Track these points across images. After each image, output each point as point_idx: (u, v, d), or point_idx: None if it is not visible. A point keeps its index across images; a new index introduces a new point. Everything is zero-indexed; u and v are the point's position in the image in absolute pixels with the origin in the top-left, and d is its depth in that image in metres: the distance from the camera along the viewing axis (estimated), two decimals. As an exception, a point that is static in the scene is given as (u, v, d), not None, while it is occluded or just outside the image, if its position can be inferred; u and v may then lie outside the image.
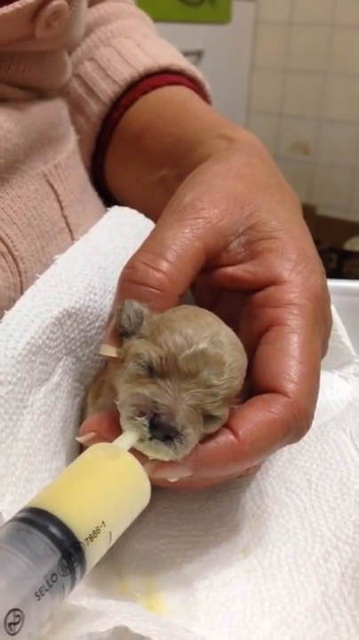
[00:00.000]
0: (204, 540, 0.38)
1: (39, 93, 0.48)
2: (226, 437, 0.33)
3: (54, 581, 0.24)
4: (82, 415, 0.40)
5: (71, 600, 0.28)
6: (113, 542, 0.28)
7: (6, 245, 0.40)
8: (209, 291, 0.43)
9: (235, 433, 0.33)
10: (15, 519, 0.26)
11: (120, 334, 0.35)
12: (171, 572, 0.36)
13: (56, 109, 0.49)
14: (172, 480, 0.33)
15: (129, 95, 0.57)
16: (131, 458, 0.29)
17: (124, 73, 0.57)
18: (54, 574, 0.24)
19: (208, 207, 0.38)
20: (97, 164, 0.59)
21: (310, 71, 1.96)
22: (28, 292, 0.36)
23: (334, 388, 0.49)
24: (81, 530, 0.26)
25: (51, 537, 0.25)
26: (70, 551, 0.25)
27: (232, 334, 0.34)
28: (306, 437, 0.36)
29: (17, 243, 0.41)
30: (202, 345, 0.32)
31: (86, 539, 0.26)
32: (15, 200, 0.42)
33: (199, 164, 0.43)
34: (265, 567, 0.36)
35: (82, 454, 0.29)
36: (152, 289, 0.35)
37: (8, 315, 0.34)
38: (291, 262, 0.38)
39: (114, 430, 0.32)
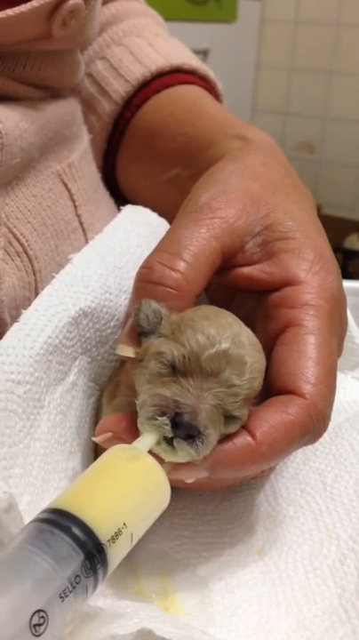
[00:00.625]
0: (219, 542, 0.38)
1: (53, 92, 0.48)
2: (243, 439, 0.32)
3: (78, 583, 0.24)
4: (97, 415, 0.40)
5: (88, 601, 0.28)
6: (134, 544, 0.28)
7: (21, 244, 0.40)
8: (223, 291, 0.42)
9: (252, 434, 0.32)
10: (37, 520, 0.25)
11: (138, 334, 0.35)
12: (187, 573, 0.36)
13: (70, 108, 0.49)
14: (189, 481, 0.33)
15: (141, 94, 0.57)
16: (152, 460, 0.29)
17: (136, 72, 0.56)
18: (77, 576, 0.24)
19: (224, 207, 0.38)
20: (109, 164, 0.59)
21: (316, 70, 1.96)
22: (45, 292, 0.36)
23: (348, 390, 0.49)
24: (103, 531, 0.26)
25: (74, 538, 0.25)
26: (93, 552, 0.25)
27: (252, 335, 0.34)
28: (320, 439, 0.36)
29: (32, 242, 0.41)
30: (224, 345, 0.32)
31: (108, 540, 0.26)
32: (30, 199, 0.42)
33: (212, 163, 0.43)
34: (281, 569, 0.36)
35: (102, 456, 0.29)
36: (169, 289, 0.35)
37: (25, 314, 0.34)
38: (308, 263, 0.37)
39: (131, 431, 0.32)
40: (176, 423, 0.30)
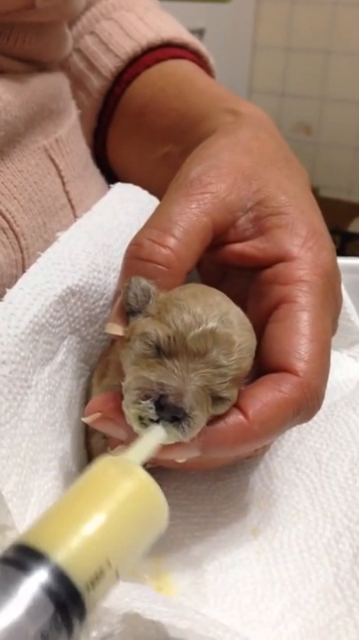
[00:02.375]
0: (213, 522, 0.37)
1: (39, 66, 0.46)
2: (235, 417, 0.32)
3: None
4: (87, 396, 0.39)
5: None
6: (121, 578, 0.23)
7: (7, 221, 0.39)
8: (215, 268, 0.42)
9: (244, 413, 0.32)
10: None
11: (126, 312, 0.34)
12: (180, 553, 0.35)
13: (57, 82, 0.48)
14: (180, 461, 0.32)
15: (131, 69, 0.55)
16: (146, 476, 0.25)
17: (126, 47, 0.55)
18: (45, 634, 0.20)
19: (215, 182, 0.37)
20: (99, 142, 0.58)
21: (313, 50, 1.93)
22: (31, 270, 0.35)
23: (343, 368, 0.48)
24: (80, 574, 0.21)
25: (44, 587, 0.20)
26: (67, 604, 0.21)
27: (241, 314, 0.33)
28: (315, 417, 0.35)
29: (18, 218, 0.40)
30: (211, 324, 0.31)
31: (87, 586, 0.21)
32: (16, 174, 0.41)
33: (204, 138, 0.42)
34: (275, 548, 0.35)
35: (89, 469, 0.25)
36: (159, 265, 0.34)
37: (10, 293, 0.33)
38: (301, 238, 0.37)
39: (120, 411, 0.31)
40: (161, 405, 0.29)
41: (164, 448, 0.31)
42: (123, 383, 0.31)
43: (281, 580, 0.33)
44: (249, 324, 0.34)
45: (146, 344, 0.31)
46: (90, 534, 0.22)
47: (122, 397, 0.31)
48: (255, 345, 0.34)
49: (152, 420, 0.29)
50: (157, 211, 0.37)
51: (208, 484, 0.39)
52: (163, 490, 0.38)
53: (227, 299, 0.34)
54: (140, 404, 0.29)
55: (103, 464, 0.25)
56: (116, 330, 0.34)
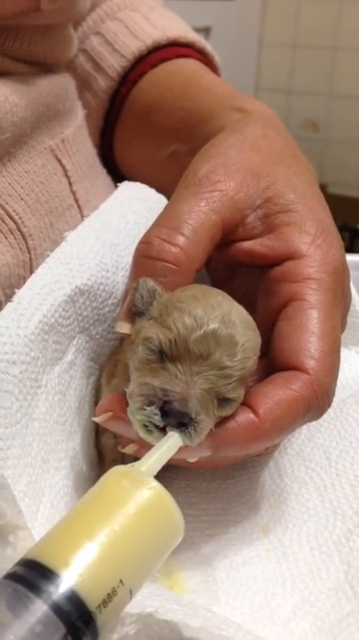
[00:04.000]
0: (223, 520, 0.37)
1: (45, 68, 0.46)
2: (246, 416, 0.32)
3: None
4: (97, 395, 0.39)
5: None
6: (134, 597, 0.23)
7: (15, 222, 0.39)
8: (224, 267, 0.42)
9: (255, 411, 0.32)
10: (8, 576, 0.21)
11: (133, 313, 0.34)
12: (191, 551, 0.35)
13: (63, 83, 0.48)
14: (192, 460, 0.32)
15: (137, 69, 0.56)
16: (161, 487, 0.24)
17: (132, 47, 0.55)
18: None
19: (224, 180, 0.37)
20: (106, 142, 0.58)
21: (320, 46, 1.92)
22: (39, 270, 0.36)
23: (352, 365, 0.48)
24: (93, 594, 0.20)
25: (54, 607, 0.20)
26: (78, 625, 0.20)
27: (244, 312, 0.33)
28: (325, 415, 0.35)
29: (25, 219, 0.40)
30: (212, 325, 0.30)
31: (99, 606, 0.20)
32: (22, 175, 0.41)
33: (212, 137, 0.42)
34: (285, 546, 0.35)
35: (100, 481, 0.25)
36: (168, 264, 0.34)
37: (19, 293, 0.33)
38: (310, 236, 0.37)
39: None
40: (165, 412, 0.29)
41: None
42: (127, 390, 0.31)
43: (291, 578, 0.33)
44: (252, 323, 0.33)
45: (148, 349, 0.31)
46: (102, 552, 0.21)
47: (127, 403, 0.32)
48: (260, 343, 0.33)
49: (157, 427, 0.29)
50: (166, 209, 0.37)
51: (218, 483, 0.39)
52: (173, 488, 0.39)
53: (229, 298, 0.34)
54: (145, 410, 0.29)
55: (116, 475, 0.24)
56: (126, 328, 0.34)
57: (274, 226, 0.37)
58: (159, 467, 0.26)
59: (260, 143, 0.40)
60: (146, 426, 0.30)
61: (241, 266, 0.40)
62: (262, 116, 0.45)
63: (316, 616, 0.31)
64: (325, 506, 0.37)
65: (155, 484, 0.24)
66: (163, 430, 0.29)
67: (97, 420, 0.33)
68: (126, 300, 0.34)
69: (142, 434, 0.30)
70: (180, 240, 0.34)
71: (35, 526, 0.31)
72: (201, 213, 0.35)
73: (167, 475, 0.39)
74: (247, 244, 0.37)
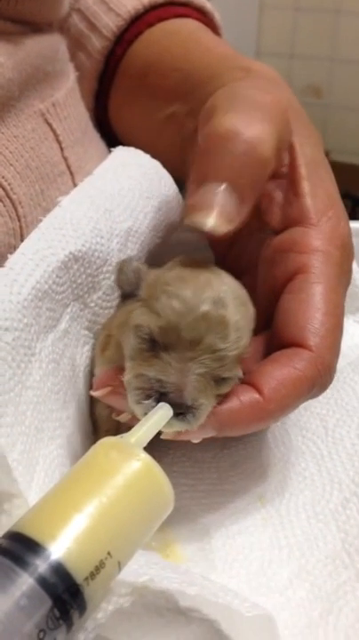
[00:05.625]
0: (220, 489, 0.37)
1: (33, 27, 0.45)
2: (250, 396, 0.31)
3: (41, 639, 0.19)
4: (92, 364, 0.39)
5: None
6: (123, 569, 0.22)
7: (3, 188, 0.38)
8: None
9: (259, 391, 0.32)
10: None
11: (121, 295, 0.33)
12: (187, 520, 0.35)
13: (52, 43, 0.46)
14: (196, 441, 0.32)
15: (133, 29, 0.54)
16: (150, 459, 0.24)
17: (128, 5, 0.53)
18: (42, 630, 0.19)
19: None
20: (100, 105, 0.56)
21: (322, 9, 1.87)
22: (32, 235, 0.35)
23: (349, 334, 0.47)
24: (80, 567, 0.20)
25: (40, 580, 0.19)
26: (64, 598, 0.20)
27: (234, 286, 0.32)
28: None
29: (15, 185, 0.39)
30: (203, 308, 0.30)
31: (86, 578, 0.20)
32: (11, 140, 0.40)
33: None
34: (282, 515, 0.35)
35: (89, 453, 0.24)
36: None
37: (12, 258, 0.33)
38: (321, 206, 0.36)
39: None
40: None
41: (179, 433, 0.31)
42: (123, 379, 0.31)
43: (288, 546, 0.33)
44: (244, 296, 0.33)
45: (140, 338, 0.30)
46: (89, 524, 0.21)
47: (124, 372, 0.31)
48: (254, 315, 0.33)
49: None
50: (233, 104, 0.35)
51: (214, 452, 0.39)
52: (168, 458, 0.38)
53: (218, 271, 0.33)
54: (143, 403, 0.29)
55: (104, 447, 0.24)
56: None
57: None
58: (149, 438, 0.26)
59: None
60: (145, 414, 0.29)
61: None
62: (268, 75, 0.44)
63: (313, 584, 0.31)
64: (322, 474, 0.37)
65: (144, 455, 0.24)
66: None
67: (95, 394, 0.33)
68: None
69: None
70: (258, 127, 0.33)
71: (30, 495, 0.30)
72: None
73: (162, 445, 0.39)
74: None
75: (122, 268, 0.32)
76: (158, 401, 0.29)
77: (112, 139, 0.56)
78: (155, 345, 0.30)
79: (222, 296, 0.30)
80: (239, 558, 0.33)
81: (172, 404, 0.29)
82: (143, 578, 0.22)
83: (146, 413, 0.29)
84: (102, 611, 0.21)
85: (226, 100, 0.35)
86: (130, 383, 0.30)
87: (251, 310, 0.33)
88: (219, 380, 0.30)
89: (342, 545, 0.33)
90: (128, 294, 0.33)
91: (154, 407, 0.29)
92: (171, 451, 0.39)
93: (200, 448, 0.39)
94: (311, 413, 0.41)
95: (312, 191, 0.36)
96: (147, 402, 0.29)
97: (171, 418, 0.29)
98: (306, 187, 0.36)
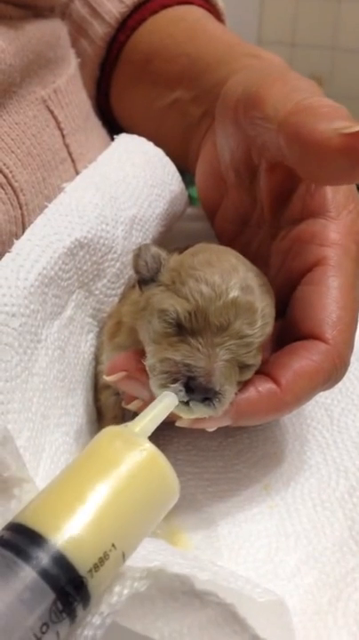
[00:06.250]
0: (225, 477, 0.37)
1: (35, 12, 0.44)
2: (269, 387, 0.31)
3: (44, 632, 0.18)
4: (96, 352, 0.39)
5: None
6: (127, 561, 0.22)
7: (5, 176, 0.37)
8: (232, 222, 0.41)
9: (277, 382, 0.32)
10: None
11: (138, 281, 0.33)
12: (192, 508, 0.35)
13: (54, 29, 0.45)
14: (211, 430, 0.32)
15: (136, 15, 0.53)
16: (154, 448, 0.23)
17: None
18: (45, 624, 0.18)
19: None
20: (101, 92, 0.55)
21: (323, -3, 1.86)
22: (38, 222, 0.34)
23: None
24: (84, 559, 0.20)
25: (42, 572, 0.19)
26: (68, 590, 0.19)
27: (259, 274, 0.32)
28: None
29: (16, 173, 0.38)
30: (232, 293, 0.29)
31: (90, 570, 0.20)
32: (13, 127, 0.39)
33: (223, 82, 0.40)
34: (288, 503, 0.35)
35: (93, 441, 0.24)
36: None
37: (17, 244, 0.32)
38: (342, 199, 0.36)
39: (143, 371, 0.31)
40: (190, 387, 0.28)
41: (197, 420, 0.30)
42: (146, 362, 0.30)
43: (295, 534, 0.33)
44: (268, 285, 0.33)
45: (165, 322, 0.30)
46: (93, 515, 0.20)
47: (143, 356, 0.31)
48: (275, 304, 0.33)
49: (182, 402, 0.29)
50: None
51: (219, 441, 0.39)
52: (173, 446, 0.38)
53: (242, 258, 0.32)
54: (169, 387, 0.29)
55: (108, 436, 0.23)
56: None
57: None
58: (153, 427, 0.25)
59: None
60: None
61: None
62: (280, 64, 0.43)
63: (321, 571, 0.31)
64: (328, 463, 0.37)
65: (149, 445, 0.23)
66: (187, 404, 0.29)
67: (109, 379, 0.32)
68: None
69: None
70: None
71: (36, 481, 0.30)
72: None
73: (167, 433, 0.39)
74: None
75: (139, 253, 0.32)
76: (186, 385, 0.28)
77: (113, 126, 0.55)
78: (182, 330, 0.30)
79: (249, 283, 0.30)
80: (246, 546, 0.33)
81: (200, 389, 0.28)
82: (154, 563, 0.22)
83: None
84: (117, 595, 0.20)
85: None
86: (154, 367, 0.30)
87: (273, 298, 0.32)
88: (243, 367, 0.30)
89: (349, 532, 0.33)
90: (146, 280, 0.32)
91: (180, 391, 0.28)
92: (176, 439, 0.39)
93: (205, 437, 0.39)
94: (316, 402, 0.41)
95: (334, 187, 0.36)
96: (173, 385, 0.28)
97: (197, 403, 0.29)
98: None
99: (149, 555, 0.24)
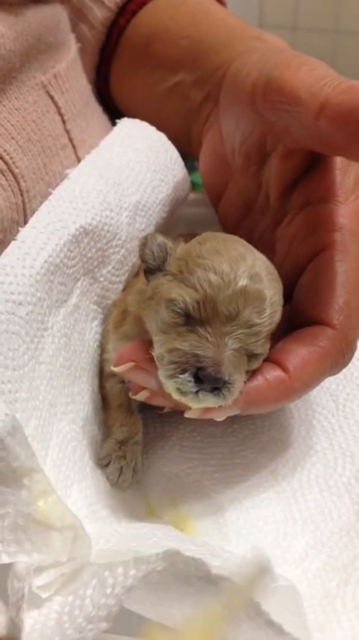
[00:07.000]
0: (231, 463, 0.37)
1: None
2: (277, 374, 0.31)
3: None
4: (101, 340, 0.38)
5: (103, 525, 0.27)
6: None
7: (5, 162, 0.37)
8: (236, 206, 0.40)
9: (285, 369, 0.32)
10: None
11: (144, 270, 0.33)
12: (199, 494, 0.35)
13: (54, 14, 0.45)
14: (219, 419, 0.32)
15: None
16: None
17: None
18: None
19: None
20: (101, 77, 0.55)
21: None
22: (43, 209, 0.34)
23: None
24: None
25: None
26: None
27: (266, 262, 0.32)
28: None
29: (17, 159, 0.38)
30: (241, 282, 0.29)
31: None
32: (13, 113, 0.39)
33: (227, 65, 0.39)
34: (295, 488, 0.35)
35: None
36: None
37: (23, 232, 0.32)
38: (350, 184, 0.35)
39: (151, 361, 0.31)
40: (199, 378, 0.28)
41: (206, 410, 0.30)
42: (154, 352, 0.30)
43: (302, 519, 0.33)
44: (275, 272, 0.32)
45: (174, 312, 0.30)
46: None
47: (150, 346, 0.31)
48: (282, 291, 0.33)
49: (192, 392, 0.29)
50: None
51: (224, 427, 0.39)
52: (178, 433, 0.38)
53: (250, 246, 0.32)
54: (178, 378, 0.29)
55: None
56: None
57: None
58: None
59: None
60: (179, 389, 0.29)
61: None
62: (279, 46, 0.43)
63: (329, 555, 0.31)
64: (334, 448, 0.37)
65: None
66: (196, 394, 0.29)
67: (117, 369, 0.32)
68: None
69: (176, 396, 0.29)
70: None
71: (45, 470, 0.30)
72: None
73: (172, 420, 0.39)
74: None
75: (146, 242, 0.32)
76: (194, 375, 0.28)
77: (114, 112, 0.55)
78: (190, 319, 0.29)
79: (258, 271, 0.30)
80: (253, 531, 0.33)
81: (209, 380, 0.28)
82: (174, 547, 0.22)
83: (178, 388, 0.29)
84: (132, 578, 0.20)
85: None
86: (162, 357, 0.29)
87: (281, 286, 0.32)
88: (252, 356, 0.30)
89: (356, 517, 0.33)
90: (152, 269, 0.32)
91: (189, 382, 0.28)
92: (182, 425, 0.39)
93: (210, 423, 0.39)
94: (321, 388, 0.40)
95: (343, 167, 0.35)
96: (182, 376, 0.28)
97: (206, 393, 0.28)
98: (338, 162, 0.35)
99: (160, 541, 0.25)
